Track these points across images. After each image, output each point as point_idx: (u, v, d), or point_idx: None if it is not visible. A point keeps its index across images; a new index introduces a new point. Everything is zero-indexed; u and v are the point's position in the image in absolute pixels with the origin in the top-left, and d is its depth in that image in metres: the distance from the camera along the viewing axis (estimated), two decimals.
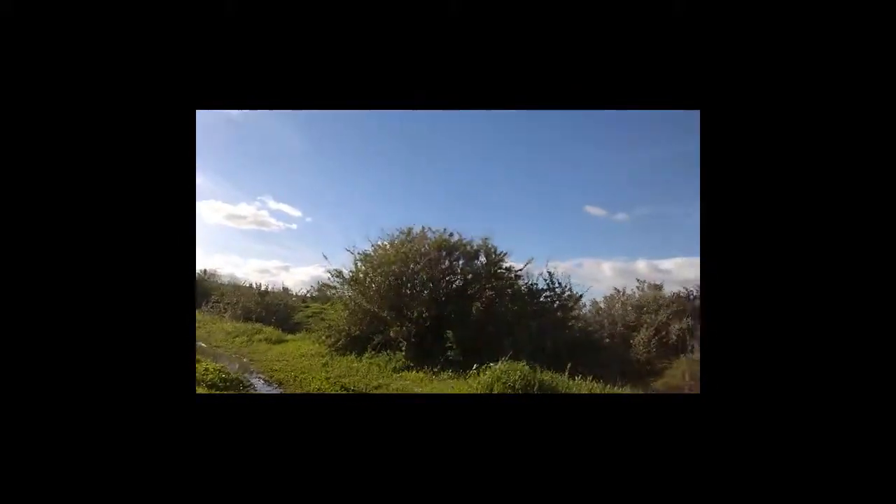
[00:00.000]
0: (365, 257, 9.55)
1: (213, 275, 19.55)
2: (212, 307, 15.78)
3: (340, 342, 9.07)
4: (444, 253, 9.21)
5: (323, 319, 10.21)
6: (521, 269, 9.62)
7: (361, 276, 9.37)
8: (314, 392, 6.11)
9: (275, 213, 34.20)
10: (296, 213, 29.89)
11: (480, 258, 9.44)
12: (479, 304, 8.51)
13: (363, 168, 28.62)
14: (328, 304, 11.02)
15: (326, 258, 18.35)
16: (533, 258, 10.25)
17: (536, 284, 9.63)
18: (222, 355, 9.02)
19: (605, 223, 23.02)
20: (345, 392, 5.97)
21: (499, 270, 9.37)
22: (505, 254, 9.52)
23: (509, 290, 9.31)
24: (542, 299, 9.61)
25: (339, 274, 9.77)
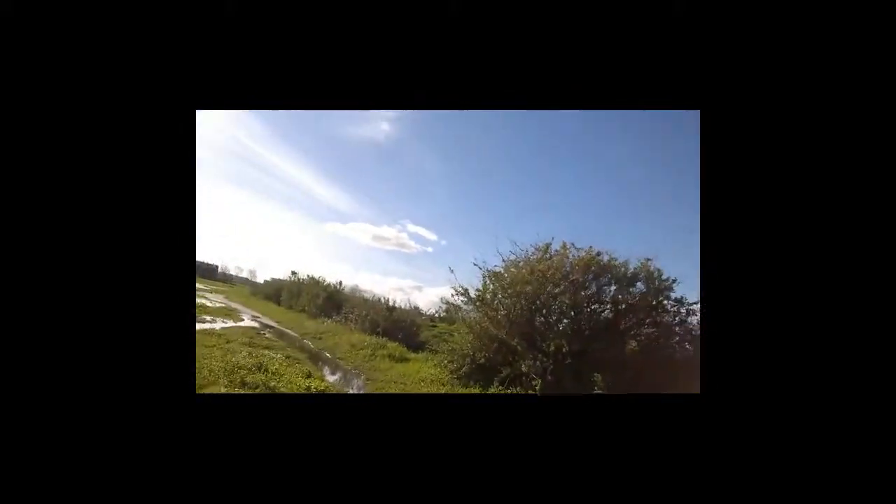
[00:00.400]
0: (494, 275, 8.76)
1: (356, 290, 21.75)
2: (343, 318, 17.03)
3: (464, 369, 8.55)
4: (590, 276, 7.72)
5: (446, 342, 9.99)
6: (696, 303, 7.65)
7: (489, 296, 8.80)
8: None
9: (413, 235, 37.71)
10: (432, 236, 32.55)
11: (639, 285, 7.97)
12: (634, 342, 7.48)
13: (501, 190, 28.42)
14: (454, 325, 11.05)
15: (452, 271, 17.84)
16: None
17: None
18: (343, 368, 9.72)
19: None
20: None
21: (664, 301, 7.87)
22: (674, 280, 7.83)
23: (678, 329, 7.80)
24: None
25: (464, 292, 9.08)
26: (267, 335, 12.26)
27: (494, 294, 8.72)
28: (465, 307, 9.66)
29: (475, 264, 9.31)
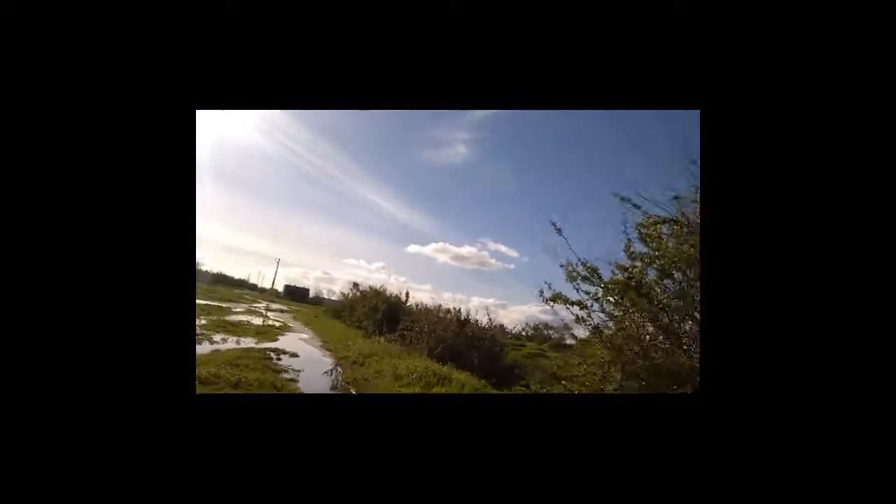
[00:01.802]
0: (649, 236, 5.42)
1: (424, 304, 18.90)
2: (399, 335, 13.41)
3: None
4: None
5: (548, 369, 7.29)
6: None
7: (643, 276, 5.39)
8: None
9: (494, 253, 37.62)
10: (513, 253, 32.37)
11: None
12: None
13: (579, 199, 28.66)
14: (544, 344, 8.47)
15: (549, 286, 11.81)
16: None
17: None
18: None
19: None
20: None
21: None
22: None
23: None
24: None
25: (589, 274, 5.45)
26: (280, 359, 9.88)
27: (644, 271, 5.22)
28: (587, 308, 5.46)
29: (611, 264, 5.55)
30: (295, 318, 23.81)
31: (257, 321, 17.18)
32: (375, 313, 17.20)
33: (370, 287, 21.80)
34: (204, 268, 54.84)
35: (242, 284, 60.38)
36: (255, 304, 30.24)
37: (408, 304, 17.76)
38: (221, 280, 55.25)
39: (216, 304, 21.38)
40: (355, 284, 25.24)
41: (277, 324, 17.96)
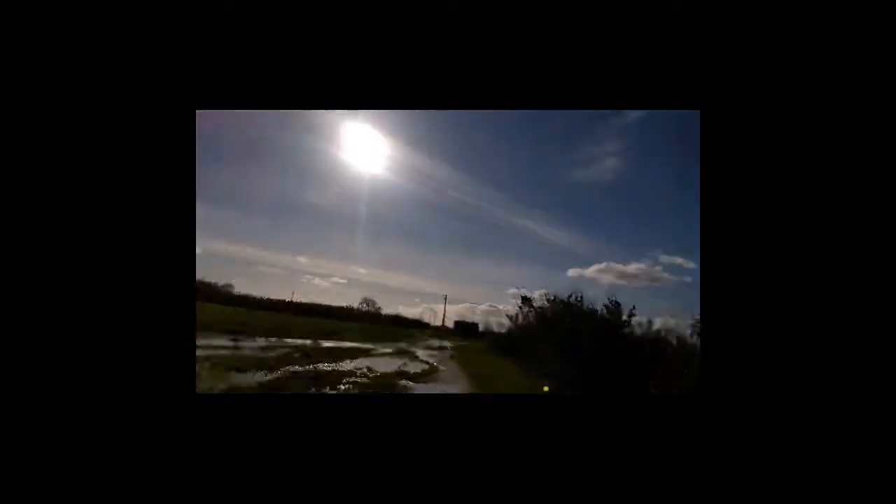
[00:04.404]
0: None
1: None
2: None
3: None
4: None
5: None
6: None
7: None
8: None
9: (668, 267, 35.03)
10: (689, 264, 29.70)
11: None
12: None
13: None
14: None
15: None
16: None
17: None
18: None
19: None
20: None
21: None
22: None
23: None
24: None
25: None
26: None
27: None
28: None
29: None
30: (452, 358, 17.90)
31: (392, 364, 12.72)
32: (572, 344, 9.80)
33: (550, 299, 13.75)
34: (384, 311, 55.33)
35: (417, 324, 61.07)
36: (410, 345, 23.90)
37: (632, 323, 10.25)
38: (396, 321, 55.99)
39: (358, 345, 17.61)
40: (524, 299, 16.32)
41: (420, 369, 12.45)
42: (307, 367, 9.37)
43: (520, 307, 17.21)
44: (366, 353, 15.11)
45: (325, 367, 9.94)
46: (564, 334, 10.50)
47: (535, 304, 15.68)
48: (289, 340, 15.66)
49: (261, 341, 14.01)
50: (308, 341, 16.62)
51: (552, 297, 13.77)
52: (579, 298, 12.01)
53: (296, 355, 11.31)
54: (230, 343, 12.17)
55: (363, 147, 43.04)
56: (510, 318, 19.07)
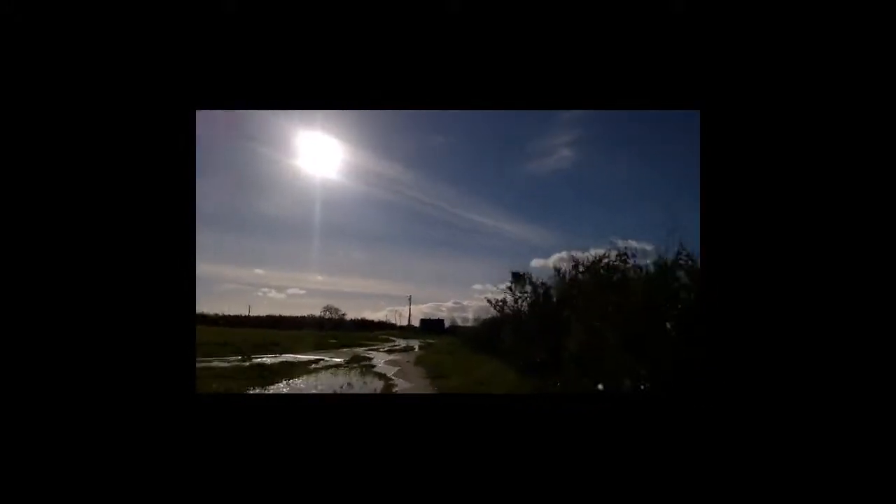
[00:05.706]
0: None
1: None
2: None
3: None
4: None
5: None
6: None
7: None
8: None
9: (630, 251, 35.77)
10: (650, 247, 30.16)
11: None
12: None
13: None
14: None
15: None
16: None
17: None
18: None
19: None
20: None
21: None
22: None
23: None
24: None
25: None
26: None
27: None
28: None
29: None
30: (419, 361, 16.58)
31: (335, 383, 10.79)
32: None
33: (532, 281, 12.64)
34: (349, 317, 57.04)
35: (382, 326, 62.09)
36: (370, 349, 23.45)
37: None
38: (362, 325, 56.88)
39: (304, 357, 16.51)
40: (517, 276, 13.88)
41: (373, 389, 10.25)
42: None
43: (510, 288, 14.24)
44: (307, 369, 13.15)
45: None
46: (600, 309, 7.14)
47: (533, 281, 13.00)
48: (215, 361, 13.00)
49: None
50: (238, 357, 14.24)
51: (583, 263, 9.65)
52: (624, 256, 8.04)
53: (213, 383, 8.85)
54: None
55: (315, 152, 42.51)
56: (496, 305, 15.85)
